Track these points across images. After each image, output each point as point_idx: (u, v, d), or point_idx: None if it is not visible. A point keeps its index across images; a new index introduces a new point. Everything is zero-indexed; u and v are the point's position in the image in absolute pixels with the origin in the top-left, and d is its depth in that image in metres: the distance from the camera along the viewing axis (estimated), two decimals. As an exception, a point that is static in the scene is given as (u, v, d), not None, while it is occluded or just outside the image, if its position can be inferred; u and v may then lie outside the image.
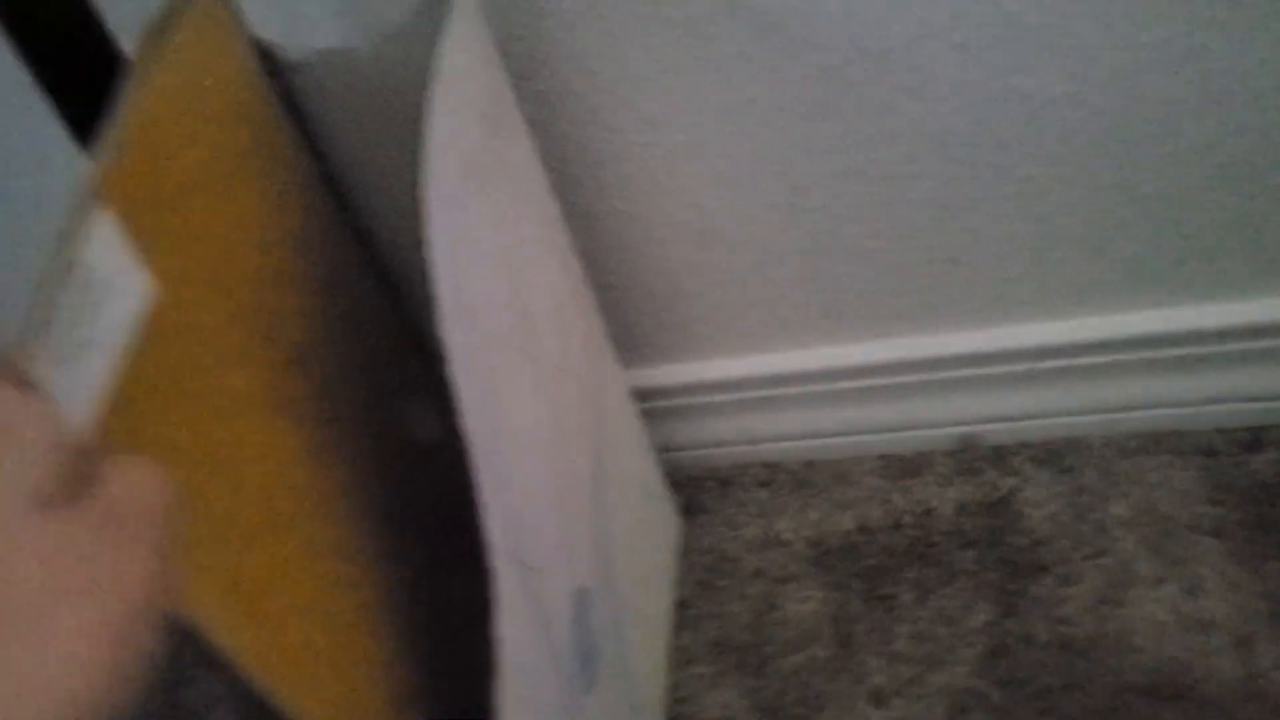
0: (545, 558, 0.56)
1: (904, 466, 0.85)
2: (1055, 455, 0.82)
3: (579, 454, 0.64)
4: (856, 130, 0.68)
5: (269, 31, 0.51)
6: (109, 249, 0.39)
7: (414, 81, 0.47)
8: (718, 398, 0.87)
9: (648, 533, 0.80)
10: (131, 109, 0.40)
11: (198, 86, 0.45)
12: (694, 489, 0.89)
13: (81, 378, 0.37)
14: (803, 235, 0.76)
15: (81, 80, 0.47)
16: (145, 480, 0.35)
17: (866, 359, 0.83)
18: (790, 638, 0.78)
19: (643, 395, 0.84)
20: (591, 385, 0.69)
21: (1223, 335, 0.76)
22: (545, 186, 0.65)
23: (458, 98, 0.50)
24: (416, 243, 0.45)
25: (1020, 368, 0.80)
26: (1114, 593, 0.75)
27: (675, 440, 0.89)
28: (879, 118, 0.67)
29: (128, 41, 0.45)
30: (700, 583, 0.83)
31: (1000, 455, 0.83)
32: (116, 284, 0.39)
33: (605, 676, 0.64)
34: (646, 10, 0.64)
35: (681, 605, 0.83)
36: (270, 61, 0.51)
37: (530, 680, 0.52)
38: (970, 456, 0.84)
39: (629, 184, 0.74)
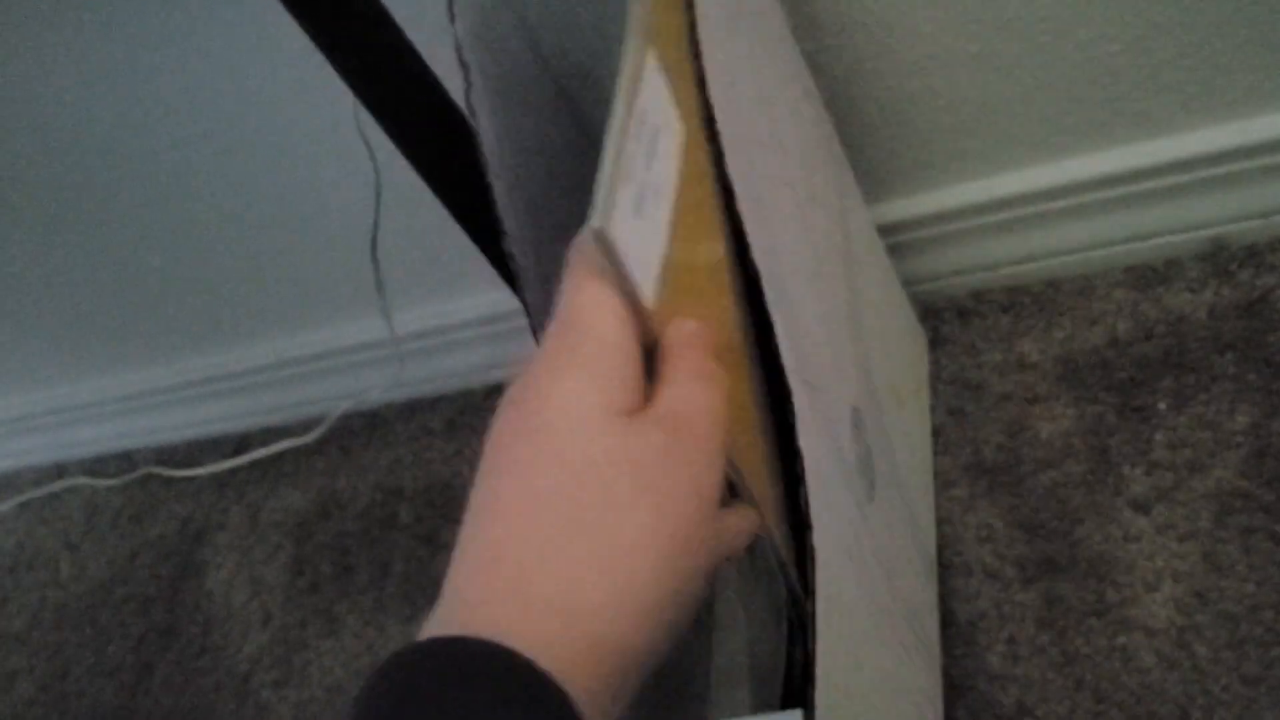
0: (823, 378, 0.58)
1: (1152, 275, 0.83)
2: (1316, 247, 0.78)
3: (835, 280, 0.67)
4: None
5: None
6: (657, 92, 0.39)
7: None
8: (952, 226, 0.87)
9: (902, 359, 0.82)
10: None
11: None
12: (933, 320, 0.90)
13: (649, 233, 0.38)
14: (1032, 46, 0.74)
15: None
16: (706, 391, 0.37)
17: (1106, 169, 0.81)
18: (1044, 456, 0.80)
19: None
20: (838, 214, 0.71)
21: None
22: (784, 22, 0.67)
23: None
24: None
25: (1271, 160, 0.76)
26: (1390, 384, 0.73)
27: (910, 274, 0.90)
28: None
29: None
30: (949, 410, 0.85)
31: (1254, 254, 0.80)
32: (664, 128, 0.39)
33: (883, 489, 0.67)
34: None
35: (933, 433, 0.85)
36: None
37: (829, 488, 0.55)
38: (1222, 258, 0.81)
39: (842, 17, 0.74)
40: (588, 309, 0.36)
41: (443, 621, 0.33)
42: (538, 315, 0.57)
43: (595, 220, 0.35)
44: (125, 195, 1.03)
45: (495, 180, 0.55)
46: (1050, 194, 0.83)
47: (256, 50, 0.85)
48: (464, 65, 0.53)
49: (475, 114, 0.53)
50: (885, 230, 0.86)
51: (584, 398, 0.35)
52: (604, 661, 0.32)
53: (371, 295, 1.02)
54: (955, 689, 0.74)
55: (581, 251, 0.36)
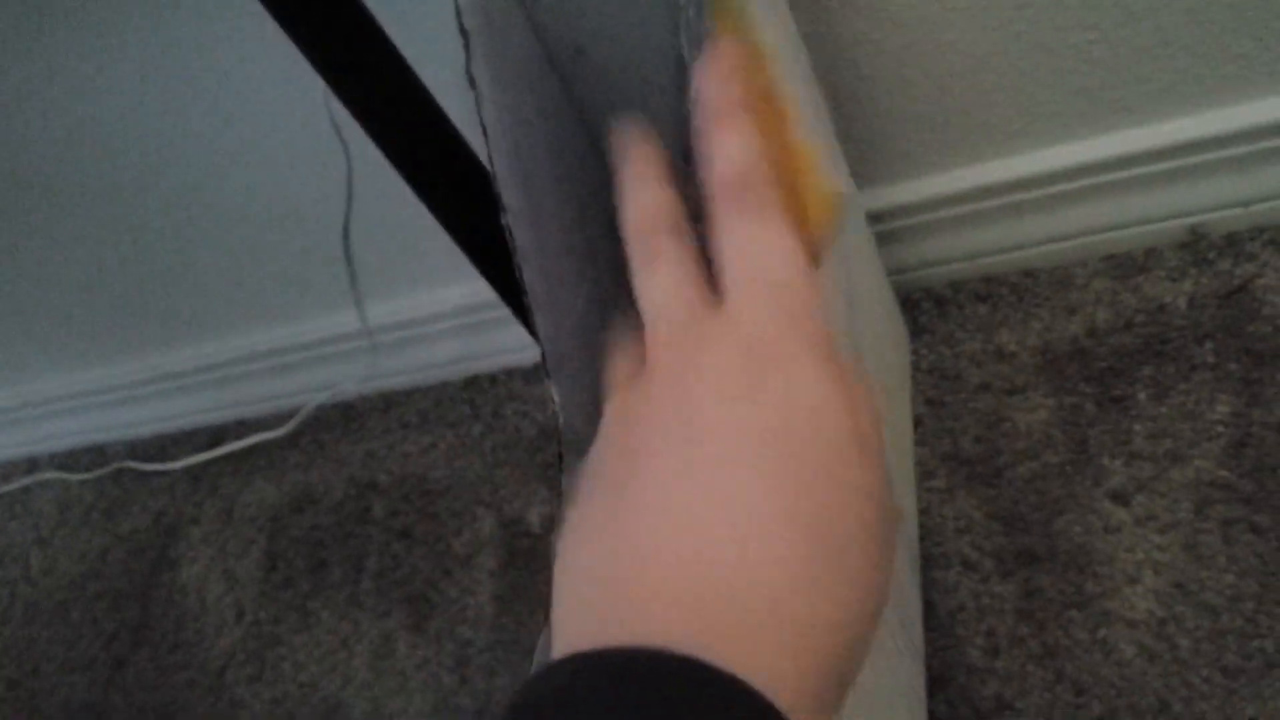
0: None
1: (1131, 265, 0.83)
2: (1295, 236, 0.78)
3: (835, 269, 0.66)
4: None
5: None
6: None
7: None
8: (929, 216, 0.87)
9: (888, 349, 0.82)
10: None
11: None
12: (911, 310, 0.90)
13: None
14: (1009, 34, 0.73)
15: None
16: (870, 396, 0.34)
17: (1084, 158, 0.80)
18: (1022, 447, 0.79)
19: (852, 223, 0.84)
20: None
21: None
22: (789, 14, 0.66)
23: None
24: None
25: (1250, 149, 0.76)
26: (1369, 373, 0.72)
27: (888, 264, 0.90)
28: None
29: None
30: (927, 401, 0.85)
31: (1234, 243, 0.80)
32: None
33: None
34: None
35: (912, 424, 0.84)
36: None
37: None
38: (1202, 247, 0.81)
39: (818, 3, 0.73)
40: (814, 299, 0.33)
41: (662, 629, 0.28)
42: (536, 294, 0.56)
43: (840, 184, 0.34)
44: (95, 189, 1.01)
45: (496, 154, 0.53)
46: (1028, 183, 0.82)
47: (226, 41, 0.84)
48: (464, 33, 0.52)
49: (476, 84, 0.52)
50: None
51: (843, 419, 0.31)
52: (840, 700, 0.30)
53: (345, 287, 1.00)
54: (935, 681, 0.73)
55: (753, 196, 0.34)
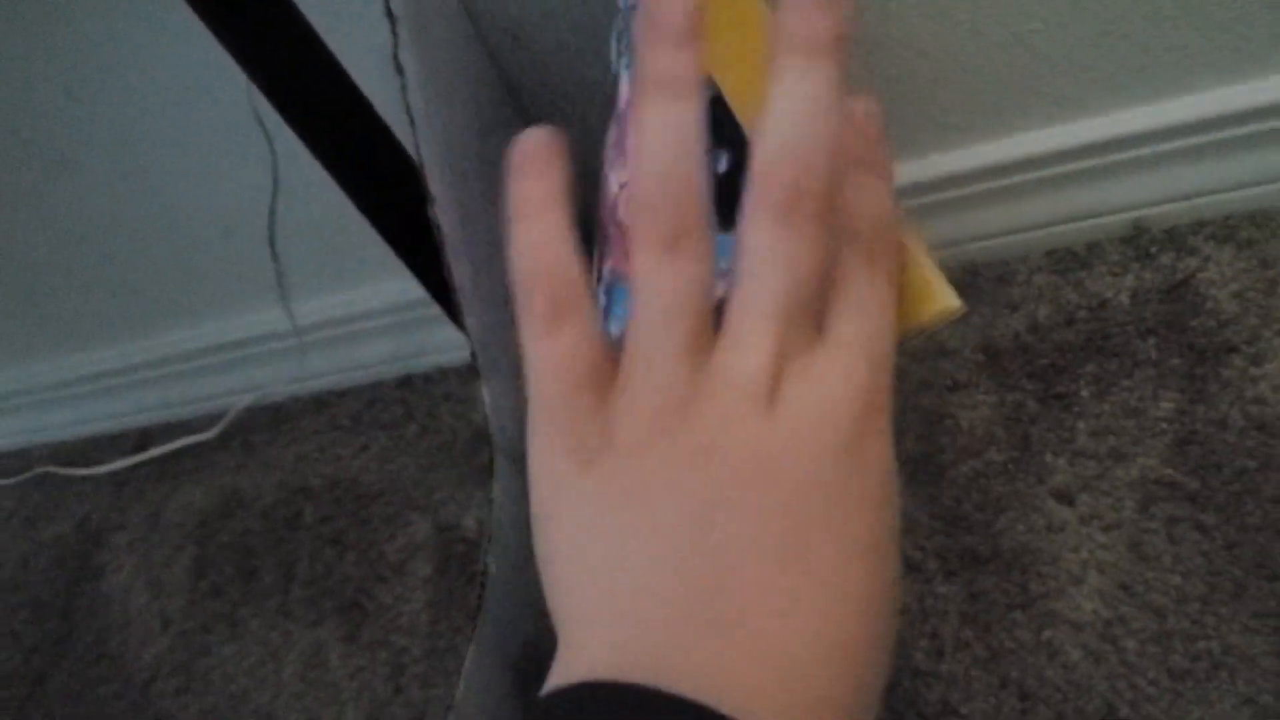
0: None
1: (1073, 260, 0.82)
2: (1235, 230, 0.77)
3: None
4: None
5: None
6: None
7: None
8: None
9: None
10: None
11: None
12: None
13: None
14: (949, 25, 0.72)
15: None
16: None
17: (1025, 151, 0.79)
18: (964, 445, 0.78)
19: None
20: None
21: None
22: None
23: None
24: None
25: (1191, 142, 0.75)
26: (1310, 368, 0.72)
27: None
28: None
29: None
30: (870, 399, 0.83)
31: (1176, 237, 0.79)
32: None
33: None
34: None
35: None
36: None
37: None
38: (1144, 242, 0.80)
39: None
40: (889, 383, 0.32)
41: (670, 665, 0.27)
42: (465, 291, 0.54)
43: (956, 300, 0.34)
44: (8, 184, 0.97)
45: (423, 143, 0.51)
46: (968, 178, 0.81)
47: (148, 32, 0.80)
48: (391, 17, 0.49)
49: (403, 70, 0.50)
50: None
51: (895, 495, 0.31)
52: None
53: (272, 285, 0.97)
54: (878, 687, 0.72)
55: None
